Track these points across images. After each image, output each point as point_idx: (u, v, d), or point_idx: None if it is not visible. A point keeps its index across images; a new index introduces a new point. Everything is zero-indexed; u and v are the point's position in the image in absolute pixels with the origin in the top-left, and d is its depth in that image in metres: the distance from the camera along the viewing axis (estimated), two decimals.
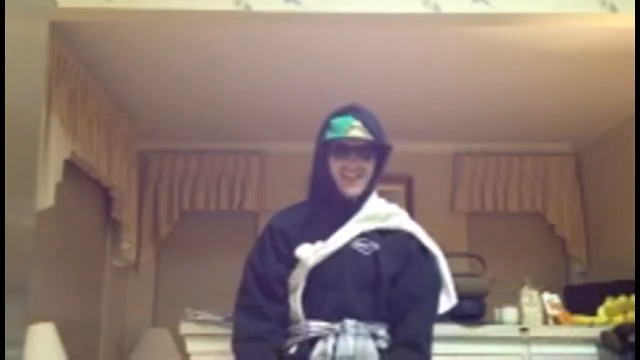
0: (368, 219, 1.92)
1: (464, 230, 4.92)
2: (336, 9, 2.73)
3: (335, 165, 1.92)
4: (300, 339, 1.83)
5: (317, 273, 1.85)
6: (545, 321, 2.74)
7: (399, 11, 2.74)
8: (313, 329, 1.81)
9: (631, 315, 2.69)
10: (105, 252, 4.46)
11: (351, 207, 1.93)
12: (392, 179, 4.98)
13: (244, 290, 1.92)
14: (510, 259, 4.63)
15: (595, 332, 2.61)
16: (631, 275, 3.60)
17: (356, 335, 1.78)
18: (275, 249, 1.91)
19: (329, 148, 1.94)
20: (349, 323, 1.79)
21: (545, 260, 4.93)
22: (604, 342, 2.56)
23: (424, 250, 1.96)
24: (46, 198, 2.99)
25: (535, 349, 2.61)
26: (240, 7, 2.71)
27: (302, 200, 2.10)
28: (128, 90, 3.98)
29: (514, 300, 2.77)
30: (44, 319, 3.03)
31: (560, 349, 2.61)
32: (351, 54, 3.48)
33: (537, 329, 2.66)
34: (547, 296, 2.82)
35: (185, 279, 4.78)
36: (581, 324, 2.74)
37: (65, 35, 3.17)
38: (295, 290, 1.86)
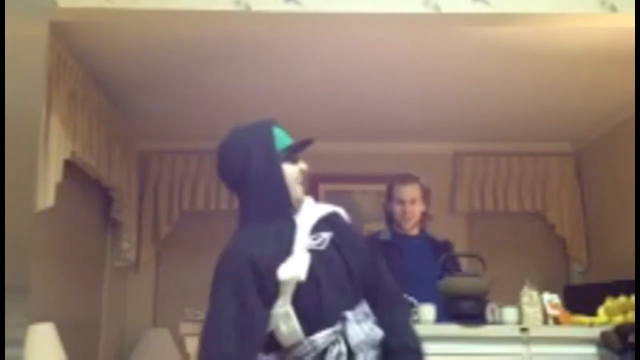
0: (307, 221, 1.92)
1: (464, 230, 4.91)
2: (336, 9, 2.73)
3: (292, 172, 1.98)
4: (310, 356, 1.78)
5: (301, 294, 1.80)
6: (545, 321, 2.74)
7: (399, 11, 2.74)
8: (320, 341, 1.77)
9: (631, 315, 2.69)
10: (105, 252, 4.46)
11: (292, 219, 1.93)
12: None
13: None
14: (510, 259, 4.63)
15: (595, 332, 2.61)
16: (631, 275, 3.60)
17: (358, 321, 1.78)
18: (253, 287, 1.80)
19: (282, 158, 1.98)
20: (349, 315, 1.79)
21: (545, 260, 4.93)
22: (604, 342, 2.56)
23: (349, 225, 2.01)
24: (46, 198, 2.99)
25: (535, 349, 2.61)
26: (240, 7, 2.71)
27: (253, 221, 1.94)
28: (128, 90, 3.97)
29: (514, 300, 2.77)
30: (44, 319, 3.03)
31: (560, 349, 2.61)
32: (351, 53, 3.48)
33: (537, 329, 2.66)
34: (547, 296, 2.82)
35: (185, 279, 4.78)
36: (581, 324, 2.74)
37: (65, 35, 3.16)
38: (286, 316, 1.79)
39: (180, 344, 3.65)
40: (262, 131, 1.99)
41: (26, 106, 1.07)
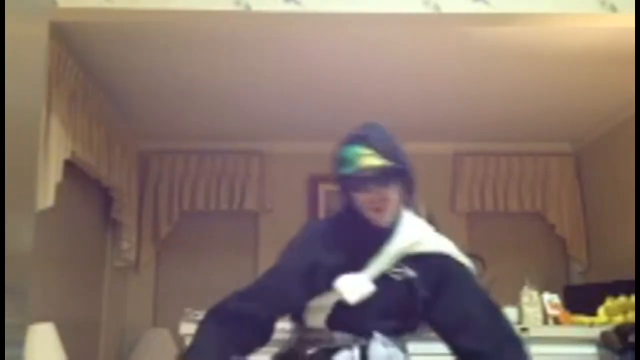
0: (401, 250, 1.82)
1: (464, 230, 4.91)
2: (336, 9, 2.73)
3: (358, 199, 1.81)
4: (320, 345, 1.76)
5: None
6: (545, 321, 2.74)
7: (399, 11, 2.74)
8: (337, 340, 1.76)
9: (631, 315, 2.69)
10: (105, 252, 4.46)
11: (384, 233, 1.82)
12: None
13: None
14: (510, 259, 4.63)
15: (595, 332, 2.61)
16: (631, 275, 3.60)
17: (385, 344, 1.74)
18: (303, 277, 1.79)
19: (346, 183, 1.83)
20: (377, 334, 1.74)
21: (545, 260, 4.93)
22: (604, 342, 2.56)
23: (460, 265, 1.87)
24: (46, 198, 2.99)
25: (535, 349, 2.60)
26: (240, 7, 2.71)
27: (336, 215, 1.96)
28: (128, 90, 3.97)
29: (514, 300, 2.77)
30: (44, 319, 3.03)
31: (560, 349, 2.61)
32: (351, 53, 3.48)
33: (537, 329, 2.66)
34: (547, 296, 2.82)
35: (185, 279, 4.78)
36: (581, 324, 2.74)
37: (65, 35, 3.16)
38: (320, 309, 1.78)
39: (180, 344, 3.65)
40: (334, 151, 1.89)
41: (26, 106, 1.07)
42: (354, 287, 1.75)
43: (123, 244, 4.49)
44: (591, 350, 2.60)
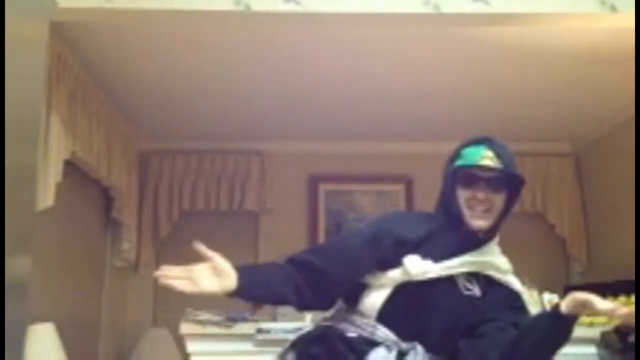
0: (484, 263, 1.79)
1: None
2: (336, 9, 2.73)
3: (463, 195, 1.78)
4: (362, 332, 1.72)
5: (410, 289, 1.73)
6: None
7: (399, 11, 2.74)
8: (379, 333, 1.71)
9: None
10: (105, 252, 4.46)
11: (474, 240, 1.79)
12: (392, 179, 4.99)
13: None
14: (510, 259, 4.62)
15: (595, 332, 2.61)
16: (631, 275, 3.60)
17: (424, 357, 1.69)
18: (377, 247, 1.76)
19: (457, 176, 1.81)
20: (419, 347, 1.69)
21: (545, 260, 4.93)
22: (604, 342, 2.56)
23: (524, 311, 1.83)
24: (46, 198, 2.99)
25: None
26: (240, 7, 2.71)
27: (427, 212, 1.95)
28: (128, 90, 3.98)
29: None
30: (44, 319, 3.03)
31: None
32: (351, 53, 3.48)
33: None
34: (547, 296, 2.82)
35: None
36: (581, 324, 2.74)
37: (65, 35, 3.16)
38: (381, 289, 1.74)
39: (180, 344, 3.65)
40: (456, 148, 1.89)
41: (26, 106, 1.07)
42: (420, 264, 1.72)
43: (123, 244, 4.49)
44: (591, 350, 2.60)
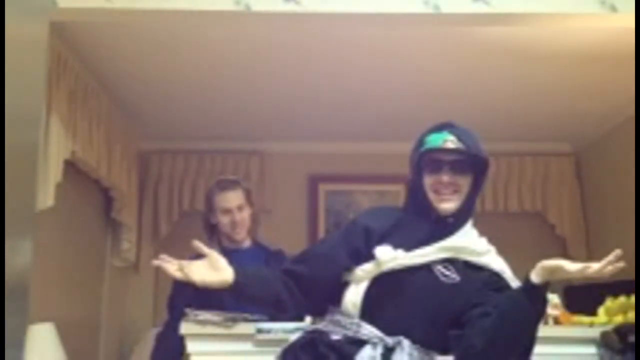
0: (459, 249, 1.80)
1: None
2: (336, 9, 2.73)
3: (429, 181, 1.80)
4: (347, 332, 1.72)
5: (387, 280, 1.74)
6: (545, 321, 2.74)
7: (399, 11, 2.74)
8: (364, 331, 1.70)
9: (631, 315, 2.69)
10: (105, 252, 4.46)
11: (444, 226, 1.80)
12: (392, 179, 4.98)
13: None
14: (510, 259, 4.61)
15: (595, 332, 2.61)
16: (631, 275, 3.59)
17: (410, 355, 1.67)
18: (349, 242, 1.81)
19: (422, 163, 1.82)
20: (405, 342, 1.69)
21: (545, 260, 4.92)
22: (604, 342, 2.56)
23: (508, 287, 1.83)
24: (46, 198, 2.99)
25: (535, 349, 2.61)
26: (240, 7, 2.71)
27: (396, 206, 2.00)
28: (128, 90, 3.97)
29: None
30: (44, 319, 3.03)
31: (560, 349, 2.61)
32: (351, 54, 3.48)
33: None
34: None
35: None
36: (581, 324, 2.74)
37: (65, 35, 3.16)
38: (358, 285, 1.75)
39: (180, 344, 3.64)
40: (419, 136, 1.90)
41: (26, 106, 1.07)
42: (391, 252, 1.74)
43: (123, 244, 4.49)
44: (591, 350, 2.59)
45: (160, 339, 2.89)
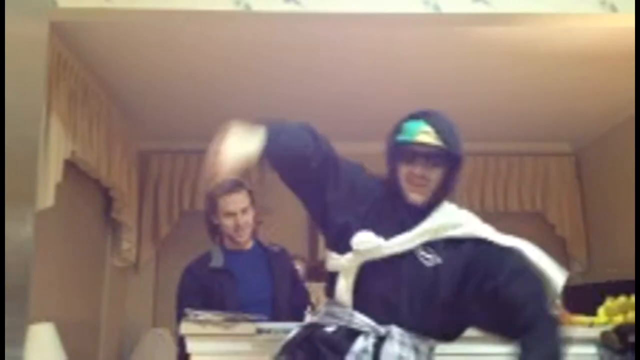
0: (437, 228, 1.81)
1: None
2: (336, 9, 2.73)
3: (403, 170, 1.83)
4: (340, 323, 1.75)
5: (373, 270, 1.75)
6: None
7: (399, 11, 2.74)
8: (356, 321, 1.73)
9: (631, 315, 2.69)
10: (105, 252, 4.46)
11: (418, 213, 1.82)
12: None
13: None
14: None
15: (595, 332, 2.61)
16: (631, 275, 3.60)
17: (401, 343, 1.70)
18: (338, 184, 1.95)
19: (397, 151, 1.86)
20: (396, 330, 1.71)
21: None
22: (604, 342, 2.55)
23: (499, 249, 1.85)
24: (46, 198, 2.99)
25: None
26: (240, 7, 2.71)
27: (380, 178, 1.99)
28: (128, 90, 3.97)
29: None
30: (44, 319, 3.03)
31: None
32: (351, 53, 3.48)
33: None
34: None
35: None
36: (581, 324, 2.74)
37: (65, 35, 3.16)
38: (347, 275, 1.77)
39: (180, 344, 3.65)
40: (398, 122, 1.94)
41: (26, 106, 1.07)
42: (373, 244, 1.75)
43: (123, 244, 4.49)
44: (591, 350, 2.59)
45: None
